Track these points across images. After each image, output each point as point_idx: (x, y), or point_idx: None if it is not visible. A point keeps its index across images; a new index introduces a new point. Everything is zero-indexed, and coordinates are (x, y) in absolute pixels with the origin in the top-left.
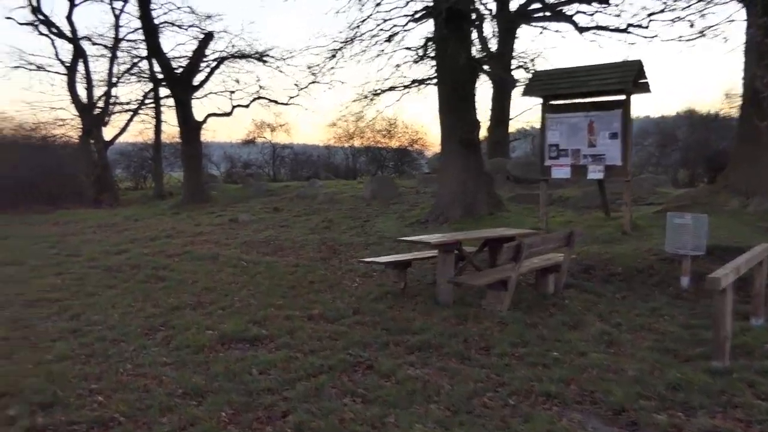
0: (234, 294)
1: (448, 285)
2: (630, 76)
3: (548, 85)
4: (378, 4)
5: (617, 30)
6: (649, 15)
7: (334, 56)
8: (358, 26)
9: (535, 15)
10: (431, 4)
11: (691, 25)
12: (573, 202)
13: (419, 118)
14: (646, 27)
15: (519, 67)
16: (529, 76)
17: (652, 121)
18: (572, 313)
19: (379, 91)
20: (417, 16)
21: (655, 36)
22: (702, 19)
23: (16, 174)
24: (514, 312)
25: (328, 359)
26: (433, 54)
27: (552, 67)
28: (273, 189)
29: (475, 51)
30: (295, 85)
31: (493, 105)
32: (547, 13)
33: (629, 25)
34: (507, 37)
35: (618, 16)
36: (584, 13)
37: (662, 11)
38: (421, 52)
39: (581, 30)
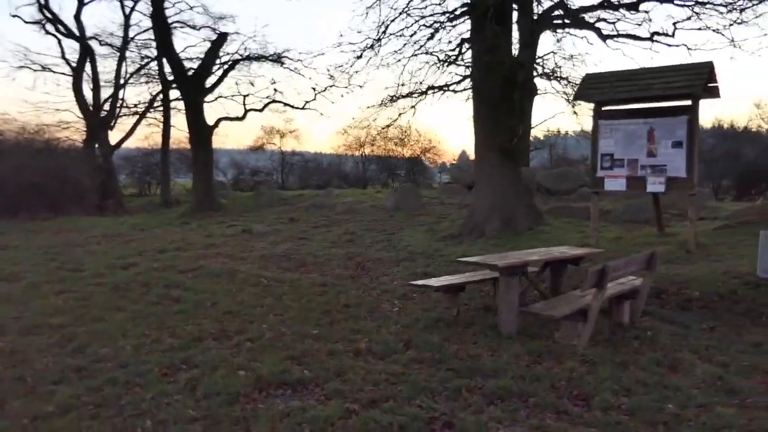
0: (261, 320)
1: (512, 314)
2: (700, 80)
3: (604, 89)
4: (409, 2)
5: (641, 38)
6: (675, 24)
7: (360, 56)
8: (387, 25)
9: (557, 22)
10: (468, 1)
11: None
12: (615, 216)
13: (433, 126)
14: (672, 35)
15: (543, 74)
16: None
17: None
18: (662, 349)
19: (396, 97)
20: (457, 13)
21: (682, 45)
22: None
23: (18, 178)
24: (594, 347)
25: (394, 414)
26: (463, 56)
27: (578, 74)
28: (286, 198)
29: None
30: (313, 88)
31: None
32: (567, 20)
33: (653, 33)
34: (529, 42)
35: (639, 25)
36: (606, 20)
37: (689, 19)
38: (443, 56)
39: (604, 38)
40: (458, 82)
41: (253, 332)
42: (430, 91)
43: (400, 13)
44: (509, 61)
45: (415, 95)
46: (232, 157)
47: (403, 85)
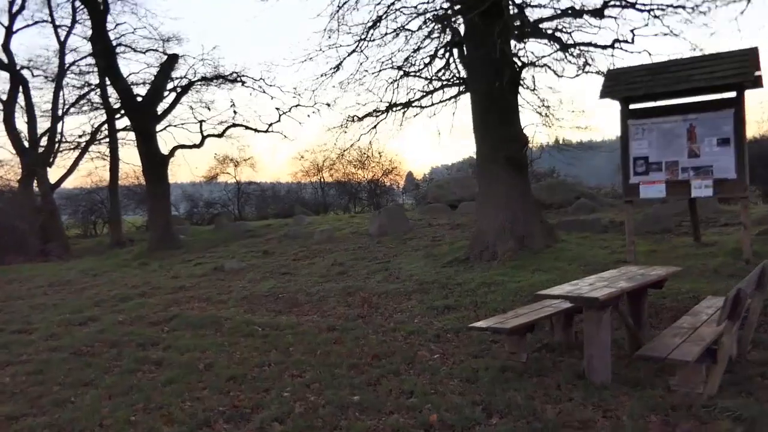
0: (277, 385)
1: (605, 358)
2: (749, 67)
3: (637, 83)
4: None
5: (602, 47)
6: (632, 30)
7: (338, 67)
8: (375, 23)
9: (517, 32)
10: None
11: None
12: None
13: (393, 147)
14: (632, 42)
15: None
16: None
17: None
18: None
19: (359, 117)
20: (449, 12)
21: (644, 51)
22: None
23: None
24: (723, 395)
25: None
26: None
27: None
28: (252, 229)
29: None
30: (277, 109)
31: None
32: (527, 30)
33: (615, 41)
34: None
35: (596, 33)
36: (563, 30)
37: (646, 25)
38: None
39: (566, 47)
40: (422, 97)
41: (275, 406)
42: (394, 108)
43: (388, 12)
44: (515, 62)
45: (378, 113)
46: (184, 189)
47: (365, 105)
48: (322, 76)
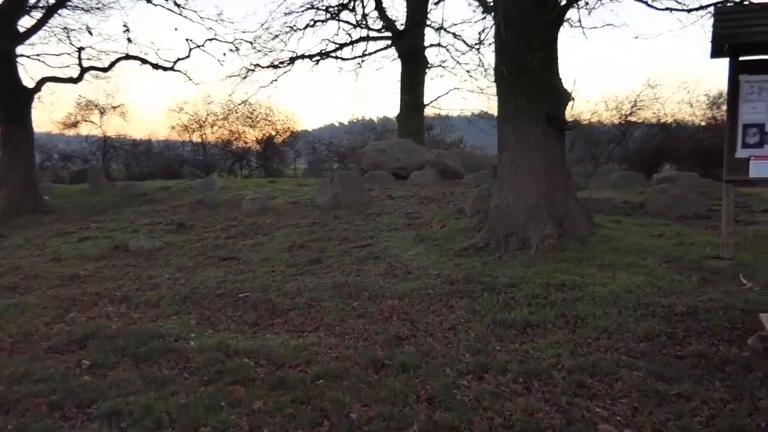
0: None
1: None
2: None
3: (762, 26)
4: None
5: None
6: None
7: None
8: None
9: None
10: None
11: None
12: (657, 211)
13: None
14: None
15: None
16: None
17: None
18: None
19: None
20: None
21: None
22: None
23: None
24: None
25: None
26: None
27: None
28: (147, 192)
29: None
30: (188, 41)
31: (403, 89)
32: None
33: None
34: (418, 4)
35: None
36: None
37: None
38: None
39: None
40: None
41: None
42: (313, 58)
43: None
44: None
45: (284, 64)
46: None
47: (271, 52)
48: None
